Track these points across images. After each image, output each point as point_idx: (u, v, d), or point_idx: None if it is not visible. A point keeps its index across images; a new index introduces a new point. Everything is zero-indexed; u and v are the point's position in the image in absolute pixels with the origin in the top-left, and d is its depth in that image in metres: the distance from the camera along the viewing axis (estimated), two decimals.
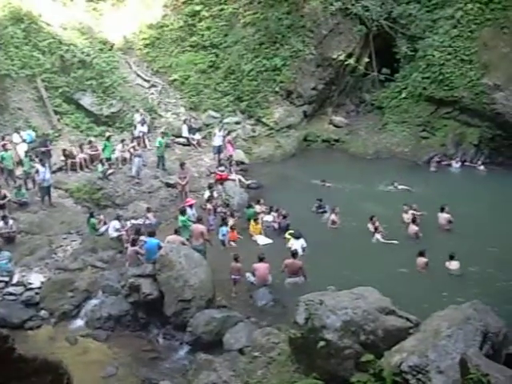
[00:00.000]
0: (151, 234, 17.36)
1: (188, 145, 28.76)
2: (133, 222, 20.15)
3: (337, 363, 9.00)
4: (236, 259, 16.45)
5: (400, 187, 24.82)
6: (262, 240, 19.62)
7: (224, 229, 19.13)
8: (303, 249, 18.18)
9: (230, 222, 19.96)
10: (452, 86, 29.47)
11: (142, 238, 17.77)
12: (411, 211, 20.71)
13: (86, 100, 28.34)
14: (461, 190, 24.41)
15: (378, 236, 19.21)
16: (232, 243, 19.27)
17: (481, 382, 6.97)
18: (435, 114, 30.49)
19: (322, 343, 8.96)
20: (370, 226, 19.76)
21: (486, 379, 6.96)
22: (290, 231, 19.27)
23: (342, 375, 8.94)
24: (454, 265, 17.03)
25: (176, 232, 17.82)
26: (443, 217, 20.27)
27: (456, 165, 28.60)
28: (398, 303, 9.98)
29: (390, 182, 25.19)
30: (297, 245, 18.14)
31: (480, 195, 23.82)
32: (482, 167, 28.25)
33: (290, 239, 18.73)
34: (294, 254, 16.48)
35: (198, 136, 29.02)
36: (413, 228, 19.56)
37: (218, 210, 21.50)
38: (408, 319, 9.40)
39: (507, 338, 8.95)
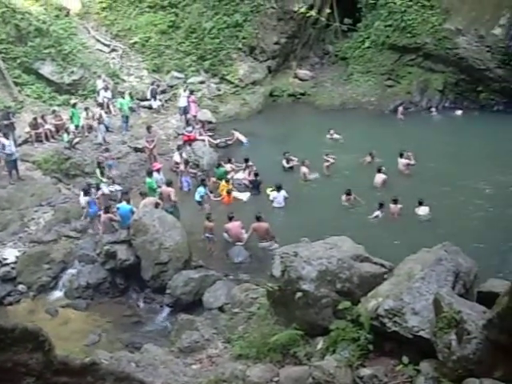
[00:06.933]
0: (125, 200, 17.35)
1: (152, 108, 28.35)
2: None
3: (315, 312, 9.14)
4: (208, 218, 16.52)
5: (335, 136, 24.88)
6: (242, 196, 19.80)
7: (202, 190, 19.04)
8: (285, 199, 18.63)
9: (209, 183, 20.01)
10: (414, 33, 29.54)
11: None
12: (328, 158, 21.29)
13: (46, 69, 27.63)
14: (426, 136, 24.70)
15: (377, 213, 17.42)
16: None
17: (454, 319, 7.20)
18: (399, 61, 30.58)
19: (299, 294, 9.09)
20: (344, 198, 18.35)
21: (458, 316, 7.18)
22: (269, 186, 19.47)
23: (320, 324, 9.12)
24: (423, 210, 17.35)
25: (142, 195, 17.98)
26: (402, 162, 20.61)
27: (433, 112, 28.83)
28: (372, 250, 10.14)
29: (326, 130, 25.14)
30: (279, 197, 18.42)
31: (448, 140, 24.19)
32: (459, 112, 28.43)
33: (272, 192, 18.99)
34: (259, 218, 16.44)
35: (157, 102, 28.18)
36: (380, 176, 19.59)
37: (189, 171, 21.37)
38: (382, 265, 9.56)
39: (478, 277, 9.20)
